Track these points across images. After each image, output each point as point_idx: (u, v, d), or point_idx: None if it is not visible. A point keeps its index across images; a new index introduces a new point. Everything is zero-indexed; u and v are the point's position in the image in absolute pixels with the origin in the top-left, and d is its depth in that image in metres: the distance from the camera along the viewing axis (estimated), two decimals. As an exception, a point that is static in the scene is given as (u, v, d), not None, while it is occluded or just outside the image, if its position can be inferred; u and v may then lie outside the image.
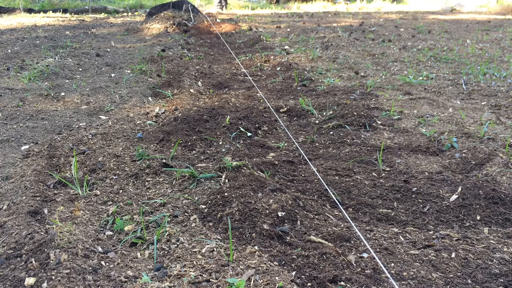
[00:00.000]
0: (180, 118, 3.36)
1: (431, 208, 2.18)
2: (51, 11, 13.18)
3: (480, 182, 2.33)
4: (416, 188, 2.35)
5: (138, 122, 3.39)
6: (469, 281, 1.65)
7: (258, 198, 2.11)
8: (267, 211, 2.00)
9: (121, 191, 2.33)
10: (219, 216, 2.03)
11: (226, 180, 2.35)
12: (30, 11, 13.02)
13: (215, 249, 1.76)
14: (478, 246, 1.86)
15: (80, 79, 4.81)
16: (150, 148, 2.86)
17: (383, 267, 1.68)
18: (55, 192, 2.27)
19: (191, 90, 4.30)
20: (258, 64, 5.74)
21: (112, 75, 5.01)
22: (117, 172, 2.51)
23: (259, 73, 5.32)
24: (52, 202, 2.14)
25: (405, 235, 1.97)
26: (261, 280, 1.55)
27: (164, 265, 1.70)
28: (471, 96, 4.16)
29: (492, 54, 6.28)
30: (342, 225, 2.04)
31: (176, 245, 1.81)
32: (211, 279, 1.56)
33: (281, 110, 3.76)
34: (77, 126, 3.31)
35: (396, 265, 1.75)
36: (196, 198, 2.23)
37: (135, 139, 3.02)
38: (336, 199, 2.26)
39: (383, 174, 2.55)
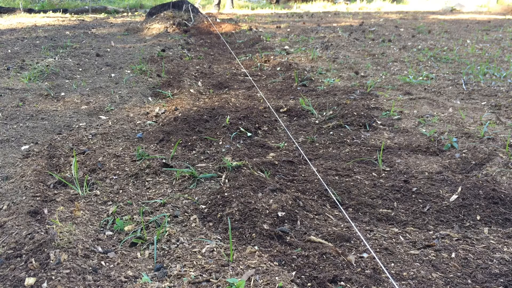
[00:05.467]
0: (180, 118, 3.36)
1: (431, 208, 2.18)
2: (51, 11, 13.18)
3: (480, 182, 2.33)
4: (416, 188, 2.35)
5: (138, 122, 3.39)
6: (469, 281, 1.65)
7: (258, 198, 2.11)
8: (267, 211, 2.00)
9: (121, 191, 2.33)
10: (219, 216, 2.03)
11: (226, 180, 2.35)
12: (30, 11, 13.01)
13: (215, 249, 1.76)
14: (478, 246, 1.86)
15: (80, 79, 4.82)
16: (150, 148, 2.86)
17: (383, 267, 1.68)
18: (55, 192, 2.27)
19: (191, 90, 4.30)
20: (258, 64, 5.74)
21: (112, 75, 5.01)
22: (117, 172, 2.51)
23: (259, 73, 5.32)
24: (52, 202, 2.14)
25: (405, 235, 1.97)
26: (261, 280, 1.55)
27: (164, 265, 1.70)
28: (471, 96, 4.16)
29: (492, 54, 6.28)
30: (342, 225, 2.04)
31: (176, 245, 1.81)
32: (211, 279, 1.56)
33: (281, 110, 3.76)
34: (77, 126, 3.31)
35: (396, 265, 1.76)
36: (196, 198, 2.23)
37: (135, 139, 3.02)
38: (336, 199, 2.26)
39: (383, 174, 2.55)
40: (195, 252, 1.75)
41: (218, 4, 14.91)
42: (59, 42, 7.28)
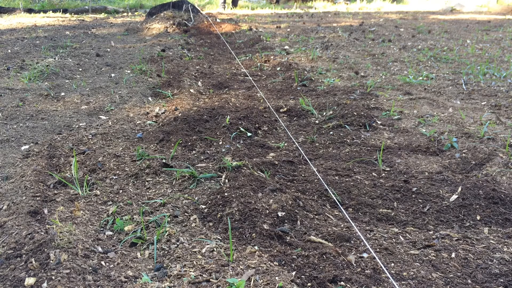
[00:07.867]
0: (180, 118, 3.36)
1: (431, 208, 2.18)
2: (51, 11, 13.17)
3: (480, 182, 2.33)
4: (416, 188, 2.35)
5: (138, 122, 3.39)
6: (469, 281, 1.65)
7: (258, 198, 2.11)
8: (267, 211, 2.00)
9: (121, 191, 2.33)
10: (219, 216, 2.03)
11: (226, 180, 2.35)
12: (30, 11, 13.01)
13: (215, 249, 1.76)
14: (478, 246, 1.86)
15: (80, 79, 4.82)
16: (150, 148, 2.86)
17: (383, 267, 1.68)
18: (55, 192, 2.27)
19: (191, 90, 4.30)
20: (258, 64, 5.74)
21: (112, 75, 5.01)
22: (117, 172, 2.51)
23: (259, 73, 5.32)
24: (52, 202, 2.14)
25: (405, 235, 1.97)
26: (261, 280, 1.55)
27: (164, 265, 1.70)
28: (471, 96, 4.16)
29: (492, 54, 6.28)
30: (342, 225, 2.04)
31: (176, 245, 1.81)
32: (211, 279, 1.56)
33: (281, 110, 3.76)
34: (77, 126, 3.31)
35: (396, 265, 1.76)
36: (196, 198, 2.23)
37: (135, 139, 3.02)
38: (336, 199, 2.26)
39: (383, 174, 2.55)
40: (195, 252, 1.75)
41: (224, 2, 14.92)
42: (59, 42, 7.27)
